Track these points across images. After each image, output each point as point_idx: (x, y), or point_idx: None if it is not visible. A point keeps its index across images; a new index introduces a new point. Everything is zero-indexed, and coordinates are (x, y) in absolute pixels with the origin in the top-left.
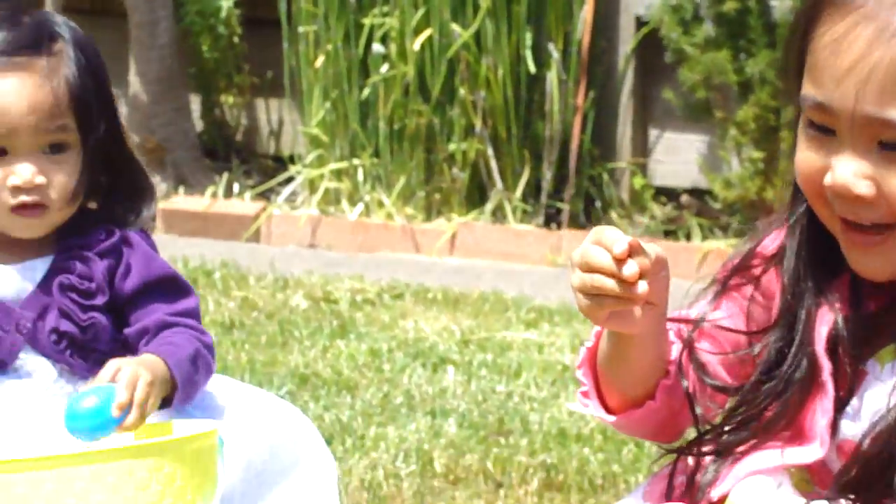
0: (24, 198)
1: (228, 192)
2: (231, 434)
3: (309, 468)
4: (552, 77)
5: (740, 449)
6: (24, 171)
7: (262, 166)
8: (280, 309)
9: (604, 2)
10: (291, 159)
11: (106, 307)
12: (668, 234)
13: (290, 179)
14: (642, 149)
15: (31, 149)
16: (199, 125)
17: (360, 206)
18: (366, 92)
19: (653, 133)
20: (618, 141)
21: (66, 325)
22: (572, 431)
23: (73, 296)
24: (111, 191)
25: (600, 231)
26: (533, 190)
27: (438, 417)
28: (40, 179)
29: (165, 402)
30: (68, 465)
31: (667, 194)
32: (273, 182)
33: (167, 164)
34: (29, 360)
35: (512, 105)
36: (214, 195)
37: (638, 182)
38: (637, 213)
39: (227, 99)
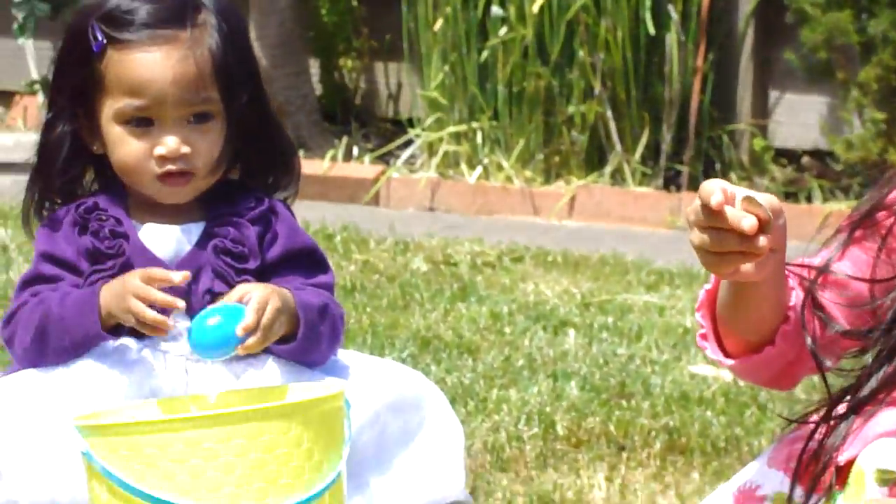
0: (169, 166)
1: (348, 156)
2: (357, 396)
3: (435, 430)
4: (671, 38)
5: (869, 408)
6: (169, 142)
7: (380, 130)
8: (401, 272)
9: None
10: (410, 122)
11: (255, 272)
12: (789, 196)
13: (408, 143)
14: (762, 110)
15: (176, 119)
16: (318, 89)
17: (479, 169)
18: (484, 55)
19: (773, 94)
20: (738, 102)
21: (219, 286)
22: (694, 394)
23: (227, 259)
24: (255, 158)
25: (711, 185)
26: (652, 152)
27: (560, 380)
28: (185, 149)
29: (287, 340)
30: (196, 427)
31: (787, 156)
32: (392, 145)
33: (287, 128)
34: (179, 319)
35: (631, 67)
36: (334, 159)
37: (758, 144)
38: (757, 175)
39: (346, 62)
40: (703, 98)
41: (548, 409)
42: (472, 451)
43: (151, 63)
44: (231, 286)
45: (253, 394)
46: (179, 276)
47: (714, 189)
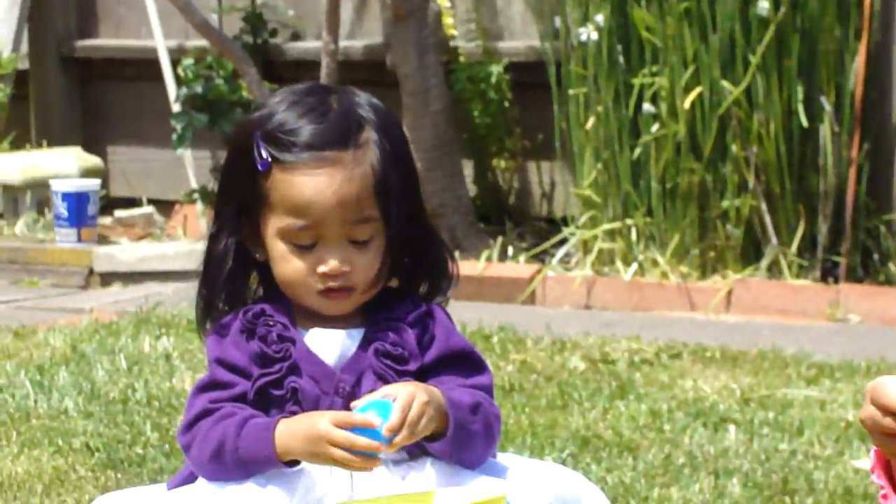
0: (331, 283)
1: (503, 256)
2: (518, 499)
3: None
4: (825, 130)
5: None
6: (332, 262)
7: (535, 228)
8: (558, 371)
9: (875, 52)
10: (564, 221)
11: (414, 373)
12: None
13: (563, 241)
14: None
15: (338, 239)
16: (472, 190)
17: (635, 266)
18: (637, 151)
19: None
20: (894, 191)
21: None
22: (858, 490)
23: (388, 361)
24: (413, 267)
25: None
26: (808, 244)
27: (722, 477)
28: (346, 268)
29: (437, 437)
30: None
31: None
32: (547, 244)
33: (442, 229)
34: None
35: (785, 160)
36: (489, 259)
37: None
38: None
39: (500, 163)
40: (858, 188)
41: None
42: None
43: (315, 186)
44: None
45: (414, 499)
46: (378, 420)
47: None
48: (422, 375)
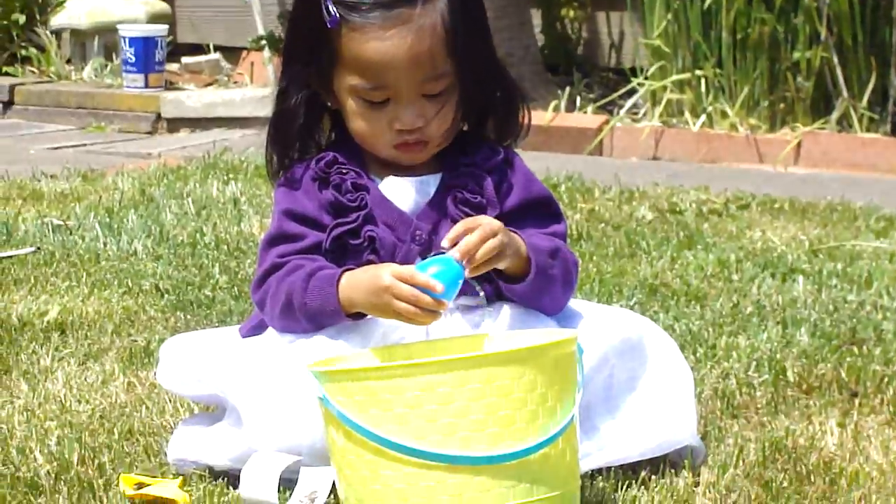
0: (406, 138)
1: (571, 106)
2: (587, 341)
3: (664, 375)
4: None
5: None
6: (406, 118)
7: (603, 79)
8: (626, 221)
9: None
10: (633, 72)
11: None
12: None
13: (631, 92)
14: None
15: (412, 95)
16: (540, 40)
17: (703, 117)
18: (708, 1)
19: None
20: None
21: None
22: None
23: (466, 209)
24: (486, 110)
25: None
26: (879, 97)
27: (790, 327)
28: (421, 123)
29: (519, 280)
30: (432, 372)
31: None
32: (615, 95)
33: None
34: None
35: (858, 11)
36: (556, 109)
37: None
38: None
39: (568, 13)
40: None
41: (778, 355)
42: (702, 397)
43: (386, 47)
44: None
45: (484, 341)
46: (440, 285)
47: None
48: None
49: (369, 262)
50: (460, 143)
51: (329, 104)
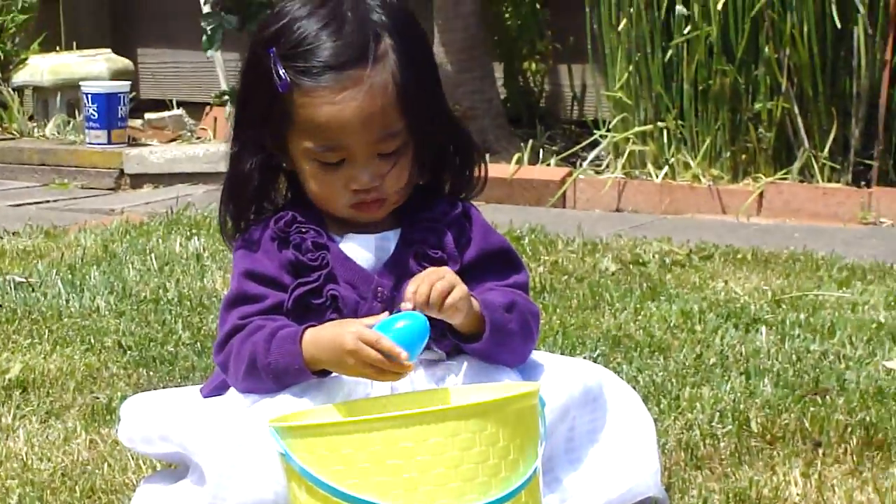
0: (363, 197)
1: (534, 159)
2: (548, 392)
3: (626, 425)
4: (859, 31)
5: None
6: (362, 178)
7: (565, 132)
8: (590, 272)
9: None
10: (595, 124)
11: None
12: None
13: (594, 144)
14: None
15: (366, 156)
16: (502, 93)
17: (666, 169)
18: (669, 53)
19: None
20: None
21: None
22: (890, 390)
23: (427, 264)
24: (442, 163)
25: None
26: (840, 147)
27: (753, 377)
28: (377, 182)
29: (475, 339)
30: (394, 427)
31: None
32: (577, 147)
33: (473, 132)
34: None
35: (818, 61)
36: (520, 162)
37: None
38: None
39: (530, 66)
40: (891, 91)
41: (741, 406)
42: (666, 448)
43: (338, 109)
44: None
45: (446, 394)
46: (405, 353)
47: None
48: (460, 277)
49: (330, 321)
50: (418, 198)
51: (284, 165)
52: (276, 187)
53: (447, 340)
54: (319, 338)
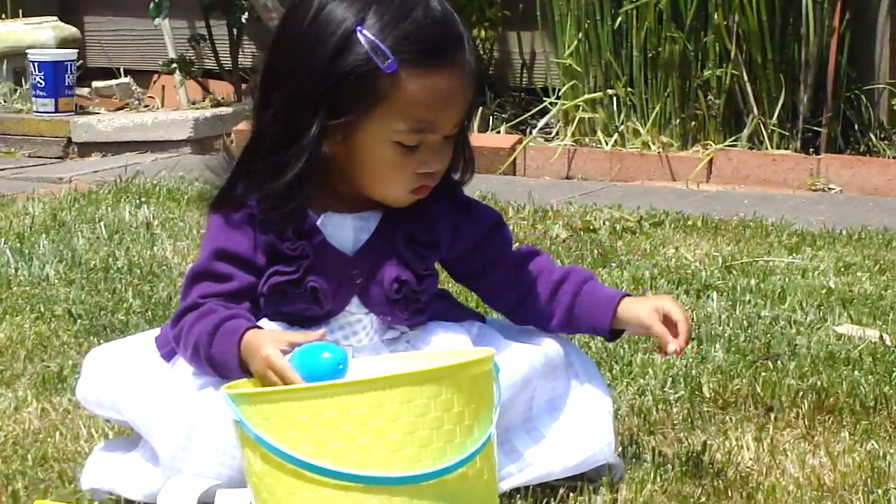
0: (425, 181)
1: (483, 127)
2: (507, 362)
3: (583, 395)
4: None
5: None
6: (436, 161)
7: (515, 99)
8: (540, 239)
9: None
10: (545, 91)
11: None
12: None
13: (544, 111)
14: None
15: (443, 139)
16: None
17: (615, 136)
18: (618, 20)
19: None
20: (875, 61)
21: (406, 275)
22: (841, 354)
23: (415, 246)
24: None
25: None
26: (789, 114)
27: (705, 343)
28: (442, 166)
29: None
30: (348, 393)
31: None
32: (527, 115)
33: None
34: (353, 311)
35: (766, 29)
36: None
37: None
38: None
39: (480, 33)
40: (840, 58)
41: (693, 372)
42: (620, 414)
43: (445, 93)
44: (417, 275)
45: (402, 361)
46: (315, 335)
47: None
48: (453, 263)
49: (309, 310)
50: None
51: (326, 150)
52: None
53: (416, 317)
54: (249, 346)
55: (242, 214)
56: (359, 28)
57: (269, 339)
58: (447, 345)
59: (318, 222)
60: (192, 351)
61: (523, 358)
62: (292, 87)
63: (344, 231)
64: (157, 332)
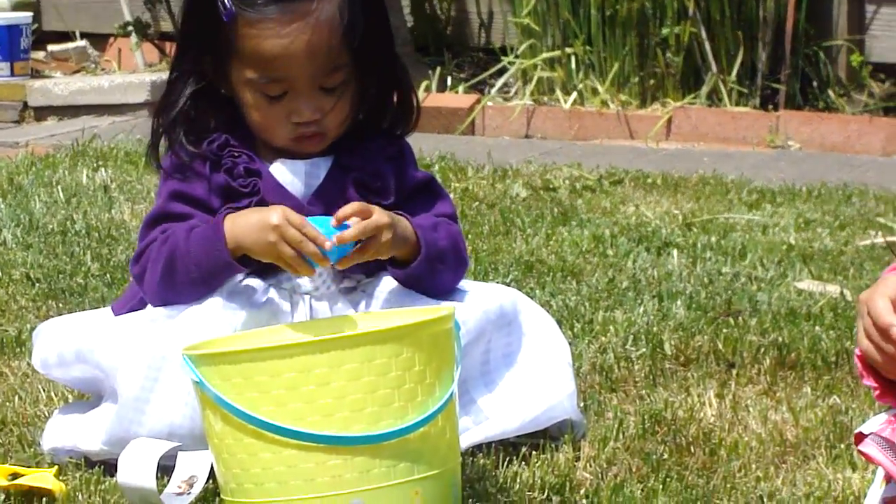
0: (303, 130)
1: (442, 87)
2: (467, 316)
3: (542, 349)
4: None
5: None
6: (304, 110)
7: (473, 59)
8: (500, 199)
9: None
10: (503, 50)
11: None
12: (888, 111)
13: (502, 71)
14: (859, 25)
15: (309, 89)
16: (409, 21)
17: (574, 95)
18: None
19: (869, 8)
20: (833, 18)
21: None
22: (802, 310)
23: (366, 193)
24: (380, 102)
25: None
26: (748, 71)
27: (666, 300)
28: (318, 116)
29: (406, 264)
30: (308, 353)
31: (885, 70)
32: (485, 74)
33: None
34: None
35: None
36: (427, 90)
37: (855, 59)
38: (855, 91)
39: None
40: (798, 15)
41: (654, 329)
42: (581, 372)
43: (283, 42)
44: None
45: (362, 320)
46: (329, 242)
47: (887, 316)
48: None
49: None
50: (354, 131)
51: (223, 91)
52: (207, 116)
53: (370, 263)
54: (243, 218)
55: (194, 160)
56: None
57: (270, 209)
58: (403, 293)
59: (270, 168)
60: (164, 269)
61: (477, 307)
62: (181, 33)
63: (295, 177)
64: (105, 309)
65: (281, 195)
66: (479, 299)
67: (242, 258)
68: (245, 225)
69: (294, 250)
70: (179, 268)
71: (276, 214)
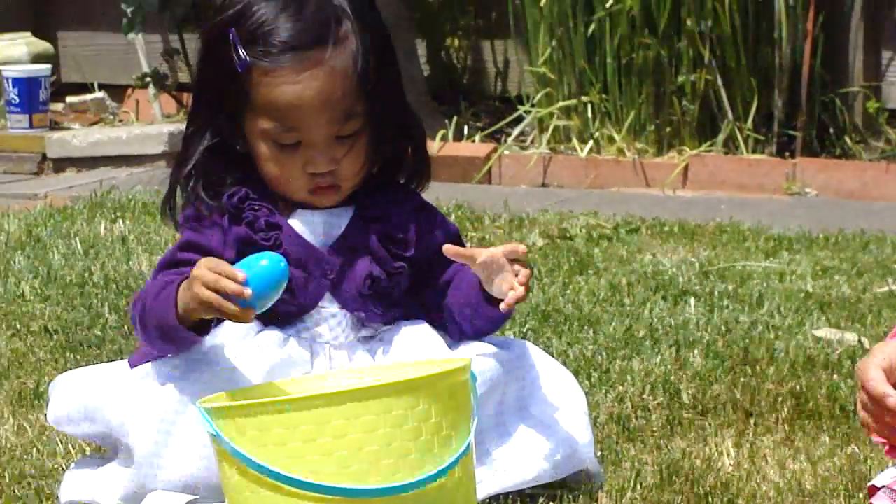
0: (319, 181)
1: (458, 135)
2: (479, 366)
3: (559, 401)
4: (780, 3)
5: None
6: (319, 161)
7: (489, 108)
8: None
9: None
10: (519, 99)
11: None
12: None
13: (518, 119)
14: (875, 72)
15: (324, 138)
16: (425, 70)
17: (591, 143)
18: (592, 27)
19: (885, 55)
20: (849, 65)
21: (378, 271)
22: (820, 358)
23: (391, 245)
24: (396, 154)
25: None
26: (764, 119)
27: (683, 349)
28: (334, 166)
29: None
30: (324, 405)
31: None
32: (502, 123)
33: None
34: (326, 306)
35: (740, 33)
36: (444, 138)
37: (871, 106)
38: (872, 137)
39: (453, 42)
40: (814, 62)
41: (672, 378)
42: (598, 422)
43: (297, 91)
44: (388, 272)
45: (379, 371)
46: (241, 275)
47: (880, 386)
48: (417, 264)
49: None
50: (371, 184)
51: (238, 148)
52: (226, 169)
53: (390, 313)
54: (186, 283)
55: (213, 212)
56: (230, 30)
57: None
58: (421, 343)
59: (289, 219)
60: (139, 318)
61: (491, 357)
62: (197, 86)
63: (315, 228)
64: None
65: (302, 247)
66: (491, 349)
67: (202, 324)
68: (184, 286)
69: (215, 292)
70: (148, 322)
71: (196, 267)
